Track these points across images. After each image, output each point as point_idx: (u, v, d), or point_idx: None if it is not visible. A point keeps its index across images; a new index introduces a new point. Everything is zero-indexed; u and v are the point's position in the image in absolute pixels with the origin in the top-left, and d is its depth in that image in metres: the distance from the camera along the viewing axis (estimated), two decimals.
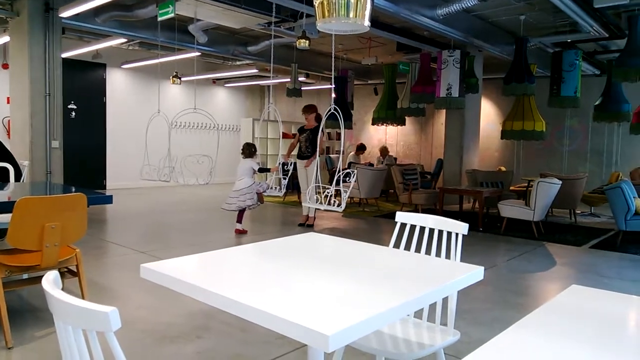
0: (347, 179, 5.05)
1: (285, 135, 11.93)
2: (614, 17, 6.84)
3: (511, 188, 8.52)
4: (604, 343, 1.13)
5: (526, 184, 7.98)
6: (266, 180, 7.57)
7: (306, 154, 6.70)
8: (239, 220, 6.14)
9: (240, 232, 6.13)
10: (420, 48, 8.41)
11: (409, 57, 9.38)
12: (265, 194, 6.23)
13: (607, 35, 7.10)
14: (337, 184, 4.38)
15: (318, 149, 5.50)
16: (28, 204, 2.68)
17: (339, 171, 4.52)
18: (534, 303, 3.85)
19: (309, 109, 6.76)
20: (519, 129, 7.97)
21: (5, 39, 7.38)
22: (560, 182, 6.53)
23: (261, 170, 6.22)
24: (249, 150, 6.23)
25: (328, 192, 4.42)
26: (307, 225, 6.84)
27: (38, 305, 3.41)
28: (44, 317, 3.17)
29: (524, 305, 3.76)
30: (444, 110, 9.63)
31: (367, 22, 1.83)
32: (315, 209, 6.75)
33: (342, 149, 5.02)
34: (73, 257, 3.00)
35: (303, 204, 6.52)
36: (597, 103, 8.54)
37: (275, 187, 5.66)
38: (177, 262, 1.67)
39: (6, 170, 4.59)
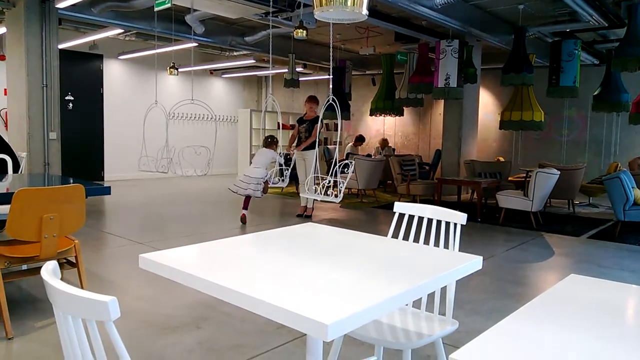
0: (345, 169, 5.06)
1: (282, 126, 11.90)
2: (613, 6, 6.81)
3: (509, 178, 8.53)
4: (603, 332, 1.13)
5: (524, 175, 7.99)
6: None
7: (306, 145, 6.69)
8: (246, 207, 6.22)
9: (244, 218, 6.23)
10: (419, 38, 8.37)
11: (407, 47, 9.34)
12: (269, 185, 6.27)
13: (606, 25, 7.07)
14: (335, 175, 4.39)
15: (317, 138, 5.49)
16: (26, 195, 2.67)
17: (336, 162, 4.53)
18: (532, 293, 3.87)
19: (314, 99, 6.77)
20: (518, 119, 7.96)
21: (2, 30, 7.32)
22: (559, 172, 6.54)
23: (287, 161, 6.26)
24: (270, 140, 6.38)
25: (326, 183, 4.43)
26: (305, 215, 6.85)
27: (37, 296, 3.42)
28: (44, 307, 3.18)
29: (522, 295, 3.78)
30: (442, 101, 9.61)
31: (364, 11, 1.81)
32: (314, 199, 6.76)
33: (338, 140, 5.02)
34: (72, 248, 3.00)
35: (301, 194, 6.53)
36: (596, 93, 8.52)
37: (279, 179, 5.68)
38: (176, 252, 1.67)
39: (4, 161, 4.58)
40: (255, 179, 6.10)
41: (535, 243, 5.65)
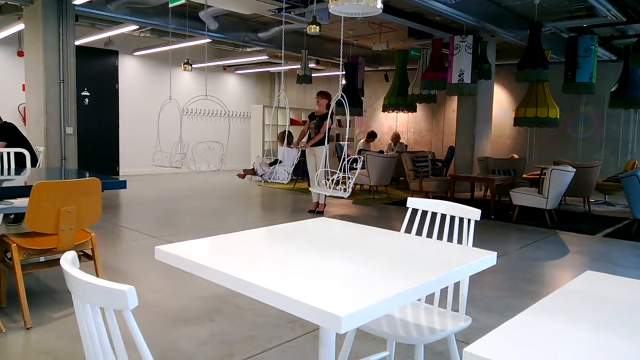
0: (355, 164, 5.06)
1: (293, 122, 11.92)
2: (631, 0, 6.70)
3: (524, 176, 8.45)
4: (620, 329, 1.12)
5: (539, 172, 7.91)
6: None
7: (316, 141, 6.69)
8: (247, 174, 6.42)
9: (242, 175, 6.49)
10: (432, 34, 8.32)
11: (420, 42, 9.29)
12: (270, 180, 6.33)
13: (624, 20, 6.96)
14: (344, 170, 4.39)
15: (327, 135, 5.50)
16: (44, 188, 2.72)
17: (344, 158, 4.53)
18: (546, 291, 3.84)
19: (323, 94, 6.74)
20: (533, 115, 7.87)
21: (20, 26, 7.42)
22: (574, 170, 6.46)
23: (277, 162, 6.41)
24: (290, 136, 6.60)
25: (335, 178, 4.44)
26: (317, 211, 6.86)
27: (55, 287, 3.48)
28: (61, 298, 3.23)
29: (535, 293, 3.75)
30: (456, 97, 9.54)
31: (379, 4, 1.81)
32: (325, 195, 6.75)
33: (347, 136, 5.03)
34: (88, 240, 3.05)
35: (312, 190, 6.54)
36: (613, 89, 8.39)
37: (288, 174, 5.75)
38: (191, 244, 1.69)
39: (23, 155, 4.66)
40: (278, 170, 6.30)
41: (549, 241, 5.59)
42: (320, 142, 6.48)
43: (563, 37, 8.07)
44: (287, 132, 6.73)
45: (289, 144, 6.49)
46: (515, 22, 7.81)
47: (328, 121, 6.12)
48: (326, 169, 4.99)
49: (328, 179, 4.72)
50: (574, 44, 7.55)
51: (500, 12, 7.52)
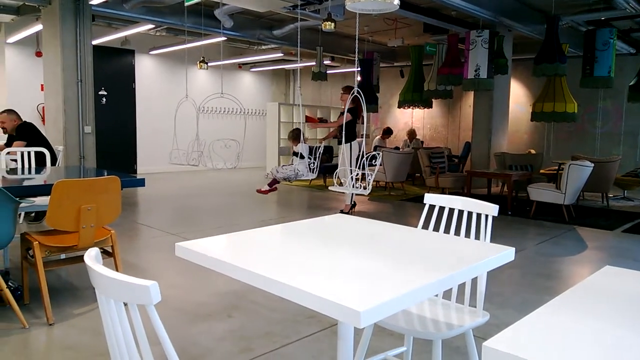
0: (373, 161, 5.04)
1: (308, 119, 11.92)
2: None
3: (541, 171, 8.35)
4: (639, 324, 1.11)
5: (557, 167, 7.81)
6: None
7: (340, 138, 6.61)
8: (271, 185, 6.52)
9: (265, 192, 6.54)
10: (448, 29, 8.25)
11: (436, 38, 9.22)
12: (296, 179, 6.34)
13: None
14: (362, 167, 4.39)
15: (351, 131, 5.46)
16: (65, 187, 2.77)
17: (363, 155, 4.51)
18: (564, 287, 3.80)
19: (347, 89, 6.59)
20: (550, 110, 7.77)
21: (38, 27, 7.55)
22: (593, 165, 6.37)
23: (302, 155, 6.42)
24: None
25: (354, 176, 4.44)
26: (341, 211, 6.72)
27: (76, 284, 3.55)
28: (82, 295, 3.30)
29: (553, 289, 3.71)
30: (472, 92, 9.46)
31: (396, 1, 1.81)
32: (352, 194, 6.63)
33: (364, 132, 5.01)
34: (108, 238, 3.10)
35: (331, 189, 6.51)
36: (632, 83, 8.24)
37: (304, 172, 5.74)
38: (210, 241, 1.71)
39: (42, 154, 4.75)
40: (298, 169, 6.30)
41: (567, 237, 5.53)
42: (347, 139, 6.37)
43: (581, 30, 7.95)
44: (299, 129, 6.70)
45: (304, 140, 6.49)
46: (532, 16, 7.71)
47: (345, 115, 6.02)
48: (344, 167, 4.99)
49: (350, 177, 4.72)
50: (592, 38, 7.43)
51: (517, 6, 7.43)
